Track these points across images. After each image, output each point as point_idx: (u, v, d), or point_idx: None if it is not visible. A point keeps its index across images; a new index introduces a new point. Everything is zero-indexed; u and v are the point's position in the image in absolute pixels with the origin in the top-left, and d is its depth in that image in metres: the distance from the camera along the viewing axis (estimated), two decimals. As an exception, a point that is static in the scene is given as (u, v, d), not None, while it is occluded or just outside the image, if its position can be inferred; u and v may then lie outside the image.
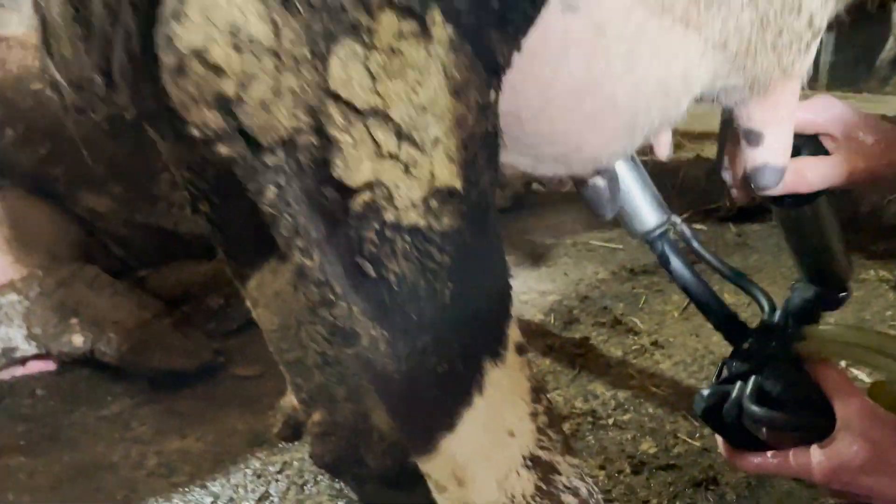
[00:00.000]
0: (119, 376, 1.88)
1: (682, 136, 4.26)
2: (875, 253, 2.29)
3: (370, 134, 0.64)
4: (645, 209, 1.03)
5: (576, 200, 3.59)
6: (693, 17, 0.77)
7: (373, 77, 0.63)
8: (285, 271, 1.16)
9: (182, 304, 2.04)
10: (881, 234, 2.44)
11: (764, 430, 0.91)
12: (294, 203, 0.66)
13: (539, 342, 2.06)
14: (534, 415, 0.82)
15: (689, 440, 1.58)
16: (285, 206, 0.66)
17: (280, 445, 1.55)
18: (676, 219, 1.06)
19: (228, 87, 0.59)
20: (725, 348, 2.01)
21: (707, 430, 1.60)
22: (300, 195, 0.66)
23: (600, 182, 0.98)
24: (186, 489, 1.45)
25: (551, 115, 0.78)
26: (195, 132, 0.63)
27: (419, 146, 0.65)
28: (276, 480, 1.48)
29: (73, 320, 1.81)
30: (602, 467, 1.51)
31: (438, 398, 0.77)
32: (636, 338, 2.06)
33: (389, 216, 0.67)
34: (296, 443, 1.51)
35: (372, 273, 0.69)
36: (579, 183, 0.99)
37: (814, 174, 0.92)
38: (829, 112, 0.94)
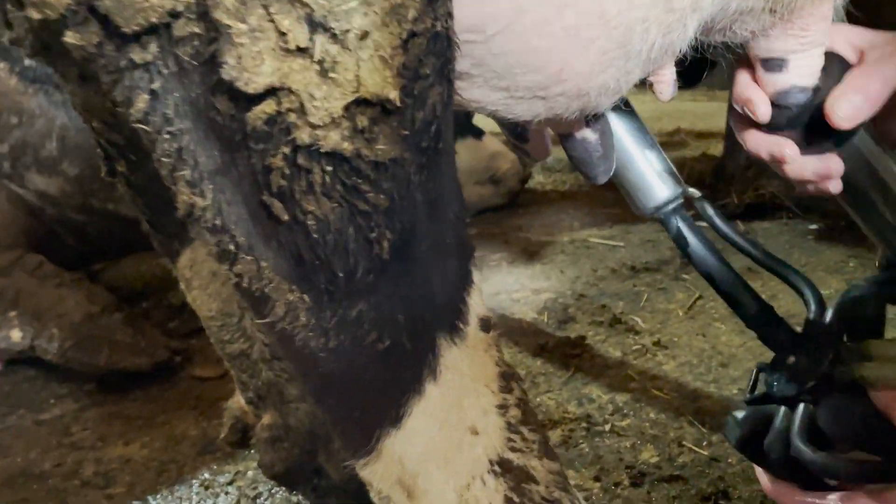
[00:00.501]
0: (66, 377, 1.71)
1: (686, 134, 4.11)
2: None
3: (272, 20, 0.47)
4: (653, 178, 0.84)
5: (574, 198, 3.42)
6: None
7: (275, -53, 0.46)
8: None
9: (142, 300, 1.87)
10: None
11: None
12: (176, 118, 0.50)
13: (531, 341, 1.89)
14: (502, 407, 0.66)
15: (696, 449, 1.41)
16: (164, 122, 0.50)
17: (232, 453, 1.38)
18: (694, 191, 0.88)
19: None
20: (735, 348, 1.84)
21: (717, 438, 1.43)
22: (183, 107, 0.50)
23: (590, 135, 0.81)
24: (123, 502, 1.28)
25: (524, 28, 0.61)
26: (33, 13, 0.47)
27: (339, 40, 0.49)
28: (226, 493, 1.30)
29: (12, 313, 1.64)
30: (597, 479, 1.33)
31: (379, 384, 0.61)
32: (637, 337, 1.89)
33: (303, 136, 0.50)
34: (251, 450, 1.34)
35: (284, 216, 0.53)
36: (565, 137, 0.82)
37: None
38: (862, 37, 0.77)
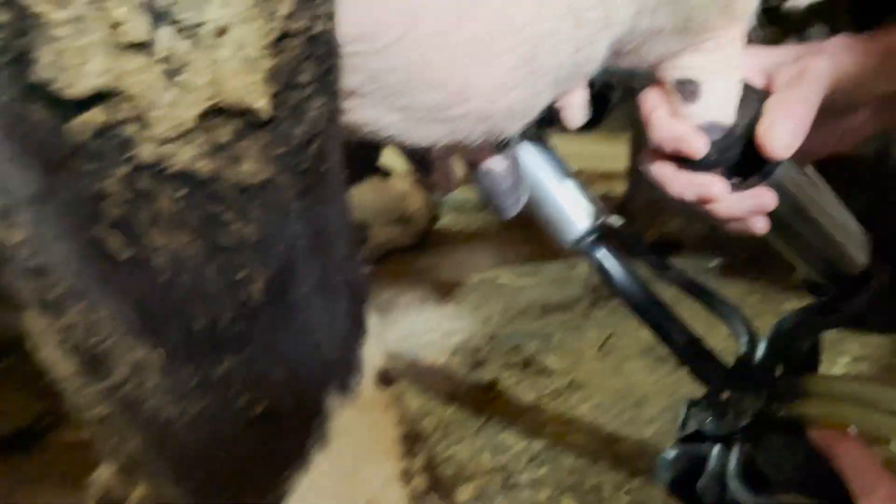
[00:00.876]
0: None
1: (589, 176, 4.17)
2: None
3: (101, 9, 0.38)
4: (571, 209, 0.79)
5: (484, 237, 3.40)
6: None
7: (107, -81, 0.37)
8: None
9: (5, 355, 1.67)
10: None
11: None
12: (-23, 132, 0.39)
13: (441, 387, 1.79)
14: (406, 475, 0.56)
15: (617, 492, 1.35)
16: (-40, 136, 0.39)
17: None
18: (615, 219, 0.83)
19: None
20: (649, 386, 1.81)
21: (636, 482, 1.37)
22: (-13, 118, 0.39)
23: (498, 165, 0.75)
24: None
25: (420, 38, 0.54)
26: None
27: (190, 34, 0.39)
28: (96, 579, 1.13)
29: None
30: (516, 535, 1.24)
31: (254, 459, 0.50)
32: (550, 379, 1.83)
33: (145, 153, 0.40)
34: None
35: (123, 253, 0.42)
36: (472, 168, 0.75)
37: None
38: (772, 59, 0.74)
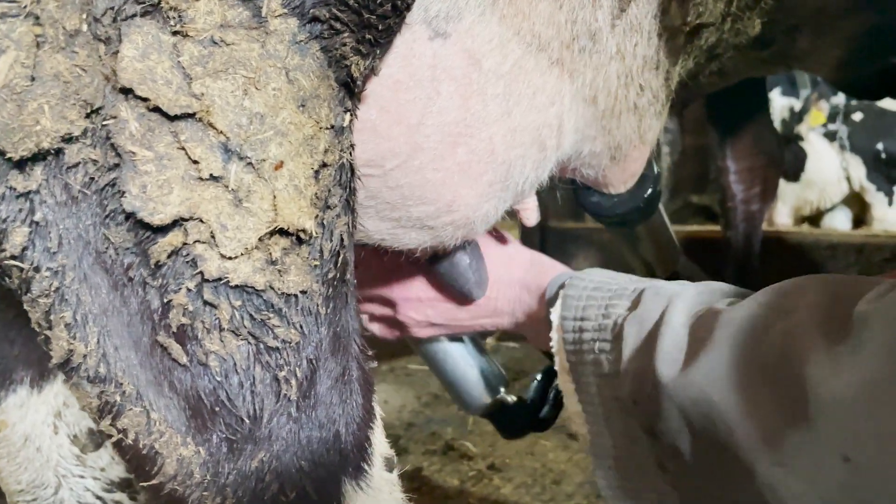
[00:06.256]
0: None
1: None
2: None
3: (183, 148, 0.44)
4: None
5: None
6: (567, 61, 0.68)
7: (186, 74, 0.44)
8: (42, 401, 0.86)
9: None
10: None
11: None
12: (60, 253, 0.44)
13: (367, 478, 1.80)
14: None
15: (546, 572, 1.40)
16: (46, 257, 0.43)
17: None
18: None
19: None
20: (565, 464, 1.90)
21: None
22: (71, 241, 0.44)
23: (464, 258, 0.84)
24: None
25: (421, 163, 0.63)
26: None
27: (255, 168, 0.46)
28: None
29: None
30: None
31: (281, 544, 0.54)
32: (471, 463, 1.88)
33: (211, 269, 0.46)
34: None
35: (183, 358, 0.47)
36: (434, 261, 0.84)
37: None
38: None
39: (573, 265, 0.90)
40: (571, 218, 3.34)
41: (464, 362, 0.94)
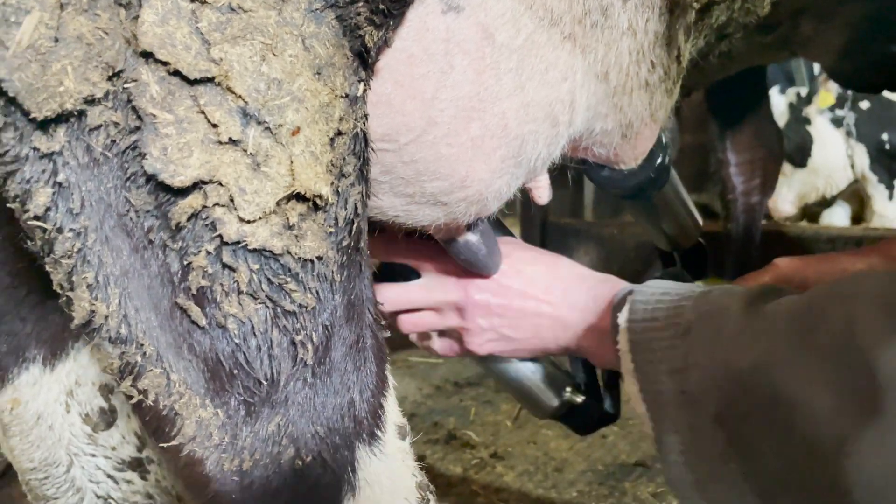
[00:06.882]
0: None
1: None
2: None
3: (202, 111, 0.45)
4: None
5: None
6: (579, 36, 0.69)
7: (205, 39, 0.45)
8: (55, 380, 0.86)
9: None
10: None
11: None
12: (83, 215, 0.45)
13: (370, 466, 1.81)
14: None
15: (549, 557, 1.41)
16: (68, 218, 0.44)
17: None
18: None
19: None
20: (565, 452, 1.91)
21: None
22: (92, 203, 0.45)
23: (472, 237, 0.84)
24: None
25: (435, 138, 0.63)
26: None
27: (273, 133, 0.47)
28: None
29: None
30: None
31: (296, 508, 0.55)
32: (473, 451, 1.89)
33: (230, 232, 0.47)
34: None
35: (202, 321, 0.48)
36: (449, 243, 0.84)
37: None
38: None
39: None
40: (571, 214, 3.35)
41: (525, 369, 0.95)
